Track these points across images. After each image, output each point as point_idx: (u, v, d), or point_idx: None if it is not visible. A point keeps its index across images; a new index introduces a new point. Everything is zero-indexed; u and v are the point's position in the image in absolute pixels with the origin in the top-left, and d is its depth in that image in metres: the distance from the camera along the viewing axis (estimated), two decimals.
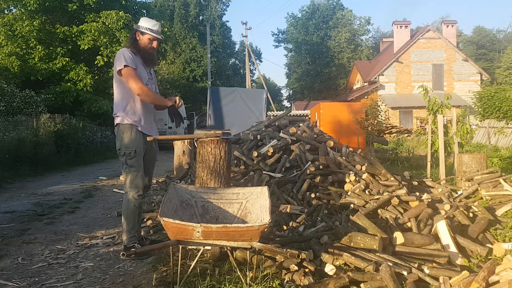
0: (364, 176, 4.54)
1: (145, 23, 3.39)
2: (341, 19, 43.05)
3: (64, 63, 16.08)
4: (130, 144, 3.34)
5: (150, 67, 3.55)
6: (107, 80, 17.92)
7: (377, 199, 4.01)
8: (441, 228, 3.20)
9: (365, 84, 28.42)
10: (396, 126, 20.46)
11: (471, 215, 3.90)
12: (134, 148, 3.33)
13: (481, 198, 4.57)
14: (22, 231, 4.39)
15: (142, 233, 4.13)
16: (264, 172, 5.26)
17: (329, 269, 2.68)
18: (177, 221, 2.35)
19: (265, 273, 2.70)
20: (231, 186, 3.52)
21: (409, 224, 3.57)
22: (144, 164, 3.48)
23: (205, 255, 3.17)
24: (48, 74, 16.17)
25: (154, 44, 3.43)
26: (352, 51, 41.74)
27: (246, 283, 2.55)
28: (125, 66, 3.23)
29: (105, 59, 16.58)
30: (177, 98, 3.48)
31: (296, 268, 2.71)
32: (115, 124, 3.42)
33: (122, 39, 16.26)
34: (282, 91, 56.88)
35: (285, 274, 2.71)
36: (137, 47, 3.38)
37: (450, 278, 2.52)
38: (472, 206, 4.12)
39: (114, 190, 7.25)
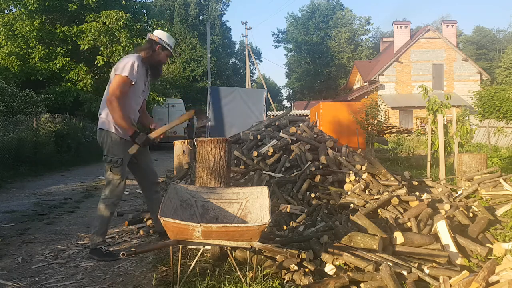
0: (364, 176, 4.54)
1: (168, 40, 3.40)
2: (341, 19, 43.05)
3: (64, 63, 16.07)
4: (118, 152, 3.31)
5: (154, 79, 3.56)
6: (107, 80, 17.84)
7: (377, 199, 4.01)
8: (441, 228, 3.20)
9: (365, 84, 28.42)
10: (396, 126, 20.48)
11: (471, 215, 3.90)
12: (121, 157, 3.32)
13: (481, 198, 4.57)
14: (22, 231, 4.39)
15: (141, 233, 4.15)
16: (264, 172, 5.26)
17: (329, 269, 2.68)
18: (177, 221, 2.35)
19: (265, 273, 2.70)
20: (231, 186, 3.52)
21: (409, 224, 3.57)
22: (143, 163, 3.52)
23: (205, 255, 3.17)
24: (48, 74, 16.16)
25: (167, 60, 3.50)
26: (352, 51, 41.74)
27: (246, 283, 2.55)
28: (124, 76, 3.19)
29: (105, 59, 16.58)
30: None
31: (296, 268, 2.71)
32: (98, 124, 3.37)
33: (122, 39, 16.26)
34: (282, 91, 56.93)
35: (285, 274, 2.71)
36: (152, 59, 3.38)
37: (450, 278, 2.52)
38: (472, 206, 4.12)
39: None
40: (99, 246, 3.41)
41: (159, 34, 3.41)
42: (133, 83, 3.24)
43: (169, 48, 3.40)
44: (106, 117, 3.30)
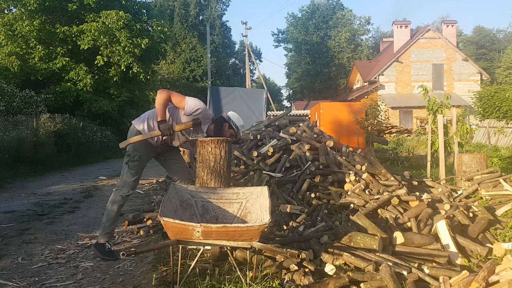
0: (364, 176, 4.54)
1: (237, 121, 3.51)
2: (341, 19, 43.05)
3: (64, 63, 16.08)
4: (138, 149, 3.43)
5: (196, 137, 3.54)
6: (107, 80, 17.94)
7: (377, 199, 4.01)
8: (441, 228, 3.20)
9: (365, 84, 28.42)
10: (396, 126, 20.49)
11: (471, 215, 3.90)
12: (140, 153, 3.44)
13: (481, 198, 4.57)
14: (22, 231, 4.39)
15: (141, 233, 4.17)
16: (264, 172, 5.26)
17: (329, 269, 2.68)
18: (177, 221, 2.35)
19: (265, 273, 2.70)
20: (231, 186, 3.52)
21: (409, 224, 3.57)
22: (170, 161, 3.71)
23: (205, 255, 3.17)
24: (48, 74, 16.17)
25: (228, 135, 3.49)
26: (352, 51, 41.74)
27: (246, 283, 2.55)
28: (185, 100, 3.27)
29: (105, 59, 16.59)
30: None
31: (296, 268, 2.71)
32: (138, 128, 3.46)
33: (122, 39, 16.27)
34: (282, 91, 56.92)
35: (285, 274, 2.71)
36: (216, 131, 3.44)
37: (450, 278, 2.53)
38: (472, 206, 4.12)
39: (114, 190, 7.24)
40: (104, 242, 3.48)
41: (230, 113, 3.56)
42: (182, 111, 3.33)
43: (235, 128, 3.49)
44: (141, 121, 3.44)
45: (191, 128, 3.44)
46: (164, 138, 3.43)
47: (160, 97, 3.28)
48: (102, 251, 3.43)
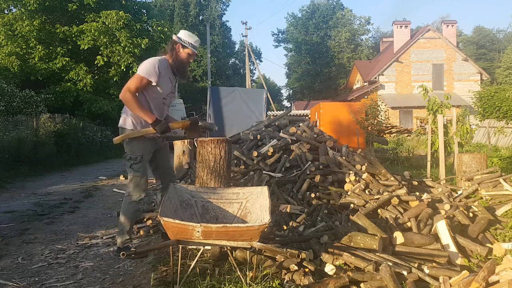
0: (364, 176, 4.54)
1: (188, 38, 3.37)
2: (341, 19, 43.05)
3: (64, 63, 16.08)
4: (137, 150, 3.34)
5: (181, 79, 3.54)
6: (107, 80, 17.94)
7: (377, 199, 4.01)
8: (441, 228, 3.20)
9: (365, 84, 28.42)
10: (396, 126, 20.49)
11: (471, 215, 3.90)
12: (140, 153, 3.34)
13: (481, 198, 4.57)
14: (22, 231, 4.39)
15: (141, 233, 4.16)
16: (264, 172, 5.26)
17: (329, 269, 2.68)
18: (177, 221, 2.35)
19: (265, 273, 2.70)
20: (231, 186, 3.52)
21: (409, 224, 3.57)
22: (161, 162, 3.57)
23: (205, 255, 3.17)
24: (48, 74, 16.17)
25: (191, 59, 3.43)
26: (352, 51, 41.74)
27: (246, 283, 2.55)
28: (140, 75, 3.19)
29: (105, 59, 16.59)
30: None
31: (296, 268, 2.71)
32: (119, 123, 3.38)
33: (122, 39, 16.27)
34: (282, 91, 56.94)
35: (285, 274, 2.71)
36: (175, 59, 3.37)
37: (450, 278, 2.52)
38: (472, 206, 4.12)
39: (114, 190, 7.25)
40: (126, 244, 3.38)
41: (179, 33, 3.42)
42: (153, 83, 3.23)
43: (189, 47, 3.35)
44: (125, 116, 3.35)
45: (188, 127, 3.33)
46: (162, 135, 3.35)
47: (128, 102, 3.15)
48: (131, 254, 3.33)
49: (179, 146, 7.64)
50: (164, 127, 3.18)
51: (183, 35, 3.38)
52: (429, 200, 4.06)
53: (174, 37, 3.41)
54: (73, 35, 16.42)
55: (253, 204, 2.84)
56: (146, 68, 3.22)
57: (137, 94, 3.22)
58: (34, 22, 15.43)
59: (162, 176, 3.65)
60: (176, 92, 3.59)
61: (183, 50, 3.35)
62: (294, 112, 26.65)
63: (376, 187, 4.39)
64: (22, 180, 8.68)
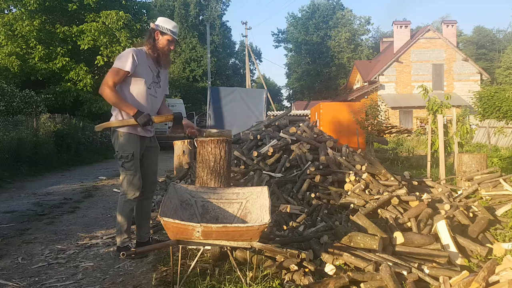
0: (364, 176, 4.54)
1: (166, 24, 3.30)
2: (341, 19, 43.04)
3: (64, 63, 16.07)
4: (128, 148, 3.26)
5: (164, 68, 3.46)
6: None
7: (377, 199, 4.01)
8: (441, 228, 3.20)
9: (365, 84, 28.42)
10: (396, 126, 20.46)
11: (471, 215, 3.90)
12: (131, 151, 3.26)
13: (481, 198, 4.57)
14: (22, 231, 4.39)
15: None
16: (264, 172, 5.26)
17: (329, 269, 2.68)
18: (177, 221, 2.35)
19: (265, 273, 2.70)
20: (231, 186, 3.52)
21: (409, 224, 3.57)
22: (147, 162, 3.44)
23: (205, 255, 3.17)
24: (48, 74, 16.16)
25: (172, 46, 3.35)
26: (352, 51, 41.74)
27: (246, 283, 2.55)
28: (115, 67, 3.17)
29: (105, 59, 16.57)
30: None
31: (296, 268, 2.71)
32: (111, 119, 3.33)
33: (122, 39, 16.26)
34: (282, 91, 56.92)
35: (285, 274, 2.71)
36: (154, 47, 3.31)
37: (450, 278, 2.52)
38: (472, 206, 4.12)
39: (114, 190, 7.25)
40: (125, 243, 3.35)
41: (157, 20, 3.35)
42: (130, 73, 3.17)
43: (168, 33, 3.28)
44: (113, 115, 3.30)
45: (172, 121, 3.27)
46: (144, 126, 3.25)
47: (107, 96, 3.11)
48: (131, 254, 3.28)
49: (179, 146, 7.65)
50: (146, 119, 3.12)
51: (161, 21, 3.32)
52: (429, 200, 4.06)
53: (152, 24, 3.34)
54: (73, 35, 16.41)
55: (253, 204, 2.84)
56: (121, 60, 3.19)
57: (115, 87, 3.17)
58: (34, 22, 15.42)
59: (143, 177, 3.42)
60: (165, 83, 3.50)
61: (163, 37, 3.29)
62: (294, 112, 26.65)
63: (376, 187, 4.39)
64: (22, 180, 8.68)
